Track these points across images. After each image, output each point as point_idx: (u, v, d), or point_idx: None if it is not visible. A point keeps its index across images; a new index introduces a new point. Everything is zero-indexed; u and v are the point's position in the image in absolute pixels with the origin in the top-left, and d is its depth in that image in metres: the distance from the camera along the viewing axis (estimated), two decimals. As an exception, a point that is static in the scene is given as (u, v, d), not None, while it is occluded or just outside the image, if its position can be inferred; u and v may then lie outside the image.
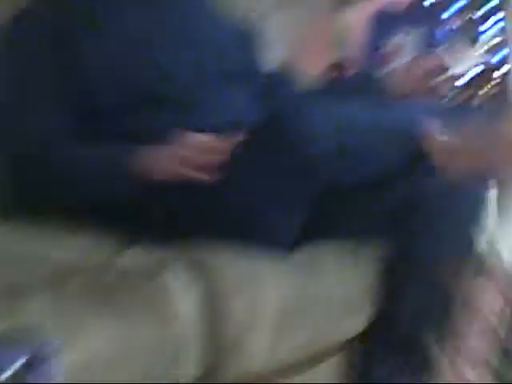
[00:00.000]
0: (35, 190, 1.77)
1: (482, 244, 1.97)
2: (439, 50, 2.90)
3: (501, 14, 2.93)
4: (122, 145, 1.73)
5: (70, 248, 1.67)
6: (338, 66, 2.81)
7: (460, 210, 1.78)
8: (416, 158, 1.74)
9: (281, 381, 1.77)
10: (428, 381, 1.84)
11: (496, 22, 3.03)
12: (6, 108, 1.82)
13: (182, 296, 1.57)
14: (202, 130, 1.76)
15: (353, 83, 2.41)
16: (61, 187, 1.77)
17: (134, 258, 1.68)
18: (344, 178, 1.70)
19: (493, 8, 3.06)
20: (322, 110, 1.74)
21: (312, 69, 2.71)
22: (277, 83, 2.06)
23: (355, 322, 1.78)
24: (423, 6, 3.03)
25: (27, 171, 1.78)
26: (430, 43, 2.94)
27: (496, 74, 2.28)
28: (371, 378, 1.83)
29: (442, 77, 1.99)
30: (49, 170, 1.76)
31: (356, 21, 2.85)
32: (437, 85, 2.11)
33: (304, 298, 1.70)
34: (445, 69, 1.96)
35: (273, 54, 2.20)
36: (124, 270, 1.63)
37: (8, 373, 1.07)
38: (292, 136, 1.66)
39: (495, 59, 3.05)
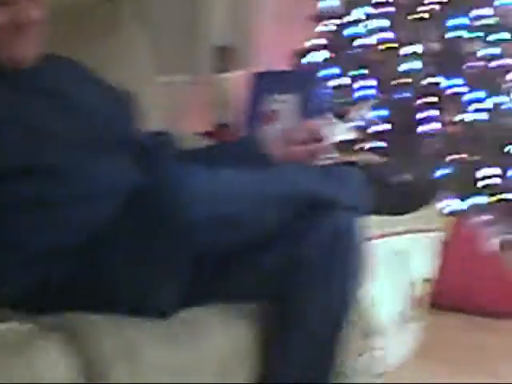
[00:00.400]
0: None
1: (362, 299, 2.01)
2: (316, 117, 3.01)
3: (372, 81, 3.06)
4: None
5: None
6: (220, 129, 2.88)
7: (338, 271, 1.76)
8: (296, 218, 1.72)
9: None
10: None
11: (367, 87, 3.17)
12: None
13: (59, 363, 1.49)
14: (75, 197, 1.73)
15: (235, 147, 2.41)
16: None
17: (9, 328, 1.58)
18: (223, 242, 1.68)
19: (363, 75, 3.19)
20: (200, 176, 1.71)
21: (195, 130, 2.71)
22: (156, 148, 2.03)
23: (239, 381, 1.73)
24: (300, 73, 3.17)
25: None
26: (307, 109, 3.00)
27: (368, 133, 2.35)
28: None
29: (319, 144, 2.04)
30: None
31: (236, 84, 2.91)
32: (314, 151, 2.16)
33: (186, 360, 1.64)
34: (322, 136, 2.02)
35: (153, 120, 2.17)
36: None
37: None
38: (168, 202, 1.62)
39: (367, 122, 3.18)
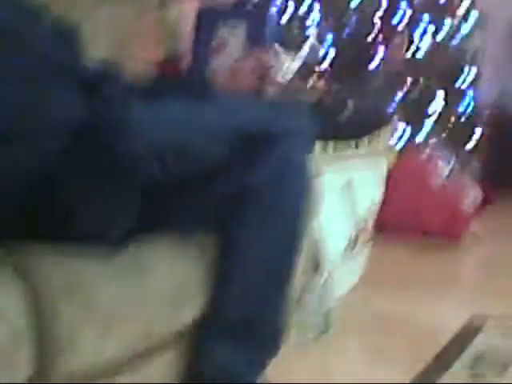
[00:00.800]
0: None
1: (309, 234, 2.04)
2: (265, 46, 3.00)
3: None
4: None
5: None
6: (170, 61, 2.85)
7: (286, 202, 1.79)
8: (241, 153, 1.74)
9: (116, 379, 1.71)
10: (268, 359, 1.87)
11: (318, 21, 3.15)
12: None
13: (8, 297, 1.49)
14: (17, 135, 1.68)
15: (184, 81, 2.41)
16: None
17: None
18: (168, 175, 1.68)
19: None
20: (144, 111, 1.74)
21: (144, 63, 2.71)
22: (101, 80, 1.96)
23: (188, 313, 1.75)
24: (250, 3, 3.12)
25: None
26: (257, 39, 2.92)
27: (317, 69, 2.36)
28: (207, 366, 1.82)
29: (267, 74, 2.05)
30: None
31: (184, 15, 2.87)
32: (262, 81, 2.17)
33: (135, 294, 1.67)
34: (269, 67, 2.02)
35: (97, 51, 2.12)
36: None
37: None
38: (112, 135, 1.63)
39: (317, 55, 3.17)
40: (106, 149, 1.62)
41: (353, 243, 2.39)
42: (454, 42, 3.19)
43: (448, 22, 3.12)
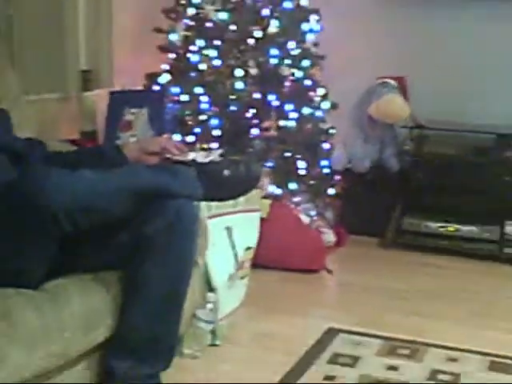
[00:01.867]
0: None
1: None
2: (163, 127, 3.00)
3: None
4: None
5: None
6: (85, 136, 2.85)
7: (176, 246, 1.79)
8: (144, 204, 1.74)
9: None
10: (162, 370, 1.85)
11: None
12: None
13: None
14: None
15: (96, 151, 2.38)
16: None
17: None
18: (83, 225, 1.65)
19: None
20: (62, 173, 1.69)
21: (66, 136, 2.65)
22: (27, 151, 1.95)
23: (98, 334, 1.75)
24: (150, 92, 3.13)
25: None
26: (156, 120, 3.03)
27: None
28: (110, 379, 1.79)
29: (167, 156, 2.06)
30: None
31: (98, 100, 2.91)
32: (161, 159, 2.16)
33: (54, 320, 1.63)
34: (168, 152, 2.03)
35: (24, 131, 2.09)
36: None
37: None
38: (34, 194, 1.59)
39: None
40: (27, 204, 1.59)
41: (234, 275, 2.34)
42: (313, 123, 3.21)
43: (307, 109, 3.15)
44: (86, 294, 1.74)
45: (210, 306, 2.26)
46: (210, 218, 2.27)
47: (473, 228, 3.23)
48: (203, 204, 2.10)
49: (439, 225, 3.28)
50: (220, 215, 2.35)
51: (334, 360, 2.17)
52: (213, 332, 2.29)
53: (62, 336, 1.64)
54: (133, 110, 3.01)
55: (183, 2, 3.13)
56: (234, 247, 2.36)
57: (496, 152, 3.22)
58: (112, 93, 3.06)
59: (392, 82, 3.40)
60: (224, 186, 2.15)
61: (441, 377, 2.09)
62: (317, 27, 3.21)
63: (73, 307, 1.69)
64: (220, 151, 2.26)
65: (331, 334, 2.36)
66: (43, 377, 1.67)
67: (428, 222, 3.30)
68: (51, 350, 1.62)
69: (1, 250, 1.63)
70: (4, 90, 2.08)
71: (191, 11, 3.12)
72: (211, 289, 2.26)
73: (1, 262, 1.62)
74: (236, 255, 2.36)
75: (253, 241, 2.49)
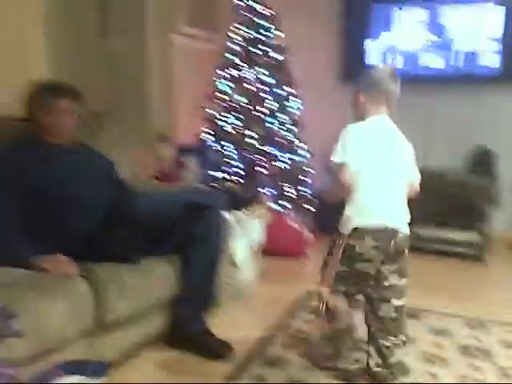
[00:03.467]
0: None
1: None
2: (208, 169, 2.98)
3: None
4: (27, 247, 1.50)
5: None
6: (162, 174, 2.80)
7: (213, 238, 1.82)
8: (193, 214, 1.77)
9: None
10: (209, 311, 1.84)
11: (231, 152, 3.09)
12: None
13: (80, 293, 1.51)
14: (88, 209, 1.65)
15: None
16: None
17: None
18: (156, 223, 1.69)
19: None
20: (148, 195, 1.80)
21: (147, 174, 2.70)
22: (125, 185, 1.95)
23: (169, 290, 1.81)
24: (199, 146, 3.14)
25: None
26: (203, 164, 3.07)
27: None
28: (175, 320, 1.81)
29: None
30: None
31: (168, 150, 2.91)
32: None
33: (147, 282, 1.70)
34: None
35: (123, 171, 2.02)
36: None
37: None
38: (128, 208, 1.68)
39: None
40: (124, 212, 1.69)
41: (250, 257, 2.33)
42: (295, 163, 3.11)
43: (295, 156, 3.10)
44: (161, 266, 1.80)
45: (236, 273, 2.22)
46: (234, 222, 2.26)
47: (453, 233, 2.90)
48: (229, 213, 2.08)
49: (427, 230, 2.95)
50: (240, 220, 2.34)
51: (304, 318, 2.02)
52: (237, 293, 2.26)
53: (149, 291, 1.73)
54: (188, 157, 3.02)
55: (216, 90, 3.11)
56: (248, 240, 2.35)
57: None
58: (176, 146, 3.08)
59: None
60: (239, 200, 2.25)
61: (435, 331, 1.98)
62: (299, 106, 3.17)
63: (156, 275, 1.77)
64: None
65: (310, 294, 2.26)
66: (140, 318, 1.71)
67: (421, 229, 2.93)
68: (143, 299, 1.70)
69: (111, 240, 1.64)
70: (112, 146, 2.08)
71: (222, 96, 3.11)
72: (235, 266, 2.24)
73: (115, 248, 1.65)
74: (250, 245, 2.36)
75: (260, 237, 2.47)
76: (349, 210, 1.53)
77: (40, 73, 2.27)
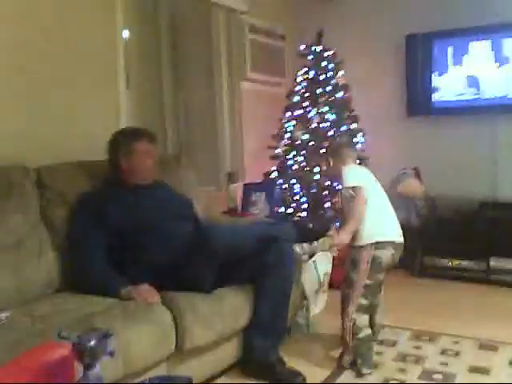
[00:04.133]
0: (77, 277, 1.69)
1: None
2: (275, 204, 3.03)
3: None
4: (117, 280, 1.61)
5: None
6: (232, 210, 2.97)
7: (284, 269, 1.85)
8: (264, 245, 1.81)
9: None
10: (281, 344, 1.85)
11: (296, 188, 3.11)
12: (75, 237, 1.74)
13: (163, 320, 1.58)
14: (169, 243, 1.74)
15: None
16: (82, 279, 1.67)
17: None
18: (233, 255, 1.77)
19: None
20: (222, 229, 1.86)
21: (218, 210, 2.73)
22: (200, 220, 2.05)
23: (242, 320, 1.84)
24: (266, 183, 3.17)
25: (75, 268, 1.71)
26: (271, 200, 3.07)
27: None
28: (248, 349, 1.84)
29: None
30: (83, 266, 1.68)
31: (237, 190, 3.02)
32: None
33: (219, 310, 1.75)
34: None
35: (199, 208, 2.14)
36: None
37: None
38: (206, 239, 1.72)
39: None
40: (204, 244, 1.72)
41: (318, 290, 2.31)
42: None
43: None
44: (234, 296, 1.83)
45: (305, 306, 2.23)
46: (303, 254, 2.18)
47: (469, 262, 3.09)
48: (299, 245, 2.06)
49: (447, 260, 3.16)
50: (308, 253, 2.23)
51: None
52: (307, 325, 2.27)
53: (223, 320, 1.75)
54: (257, 194, 3.07)
55: (283, 130, 3.21)
56: (317, 272, 2.34)
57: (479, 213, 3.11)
58: (245, 184, 3.14)
59: (409, 170, 3.34)
60: (307, 233, 2.22)
61: (449, 353, 2.06)
62: (362, 140, 3.20)
63: (229, 304, 1.79)
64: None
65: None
66: (212, 347, 1.74)
67: (440, 259, 3.16)
68: (218, 328, 1.74)
69: (189, 271, 1.71)
70: (189, 186, 2.21)
71: (287, 136, 3.20)
72: (305, 297, 2.24)
73: (190, 277, 1.72)
74: (319, 278, 2.34)
75: (328, 269, 2.44)
76: (366, 228, 1.85)
77: (123, 124, 2.48)
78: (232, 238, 1.76)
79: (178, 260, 1.74)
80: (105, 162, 1.89)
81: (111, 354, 1.04)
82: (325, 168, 2.17)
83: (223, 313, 1.75)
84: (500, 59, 3.21)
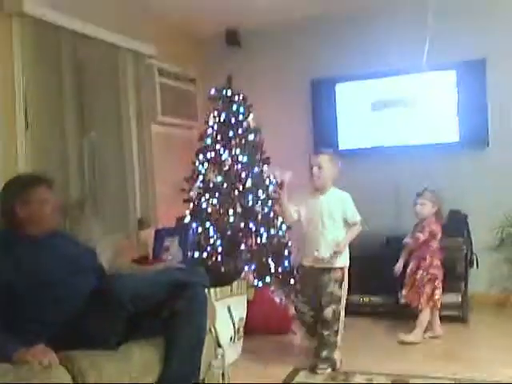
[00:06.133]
0: None
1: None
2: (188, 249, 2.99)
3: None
4: (7, 342, 1.52)
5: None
6: (143, 258, 2.89)
7: (195, 316, 1.79)
8: (171, 293, 1.76)
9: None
10: None
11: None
12: None
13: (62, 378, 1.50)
14: (67, 298, 1.68)
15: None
16: None
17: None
18: (140, 307, 1.69)
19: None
20: (128, 278, 1.79)
21: (127, 259, 2.68)
22: (105, 271, 1.98)
23: (152, 376, 1.75)
24: (179, 228, 3.13)
25: None
26: (184, 246, 3.03)
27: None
28: None
29: None
30: None
31: (148, 236, 3.01)
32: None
33: (126, 366, 1.67)
34: None
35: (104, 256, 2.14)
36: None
37: None
38: (113, 292, 1.66)
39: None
40: (107, 298, 1.66)
41: (233, 337, 2.32)
42: (277, 239, 3.17)
43: (273, 230, 3.16)
44: (143, 350, 1.76)
45: (220, 356, 2.19)
46: (217, 300, 2.28)
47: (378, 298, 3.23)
48: (212, 290, 2.08)
49: (358, 297, 3.23)
50: (222, 298, 2.36)
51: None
52: (222, 374, 2.22)
53: (130, 377, 1.65)
54: (169, 239, 3.02)
55: (196, 173, 3.21)
56: (232, 318, 2.36)
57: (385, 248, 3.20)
58: (157, 230, 3.10)
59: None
60: (221, 277, 2.24)
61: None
62: (274, 181, 3.20)
63: (137, 360, 1.71)
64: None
65: (294, 372, 2.32)
66: None
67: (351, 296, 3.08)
68: None
69: (91, 327, 1.65)
70: (90, 234, 2.15)
71: (200, 178, 3.21)
72: (219, 345, 2.21)
73: (94, 334, 1.65)
74: (234, 323, 2.37)
75: (243, 314, 2.45)
76: (347, 250, 2.34)
77: (22, 168, 2.39)
78: (139, 287, 1.70)
79: (79, 316, 1.67)
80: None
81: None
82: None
83: (130, 370, 1.67)
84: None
